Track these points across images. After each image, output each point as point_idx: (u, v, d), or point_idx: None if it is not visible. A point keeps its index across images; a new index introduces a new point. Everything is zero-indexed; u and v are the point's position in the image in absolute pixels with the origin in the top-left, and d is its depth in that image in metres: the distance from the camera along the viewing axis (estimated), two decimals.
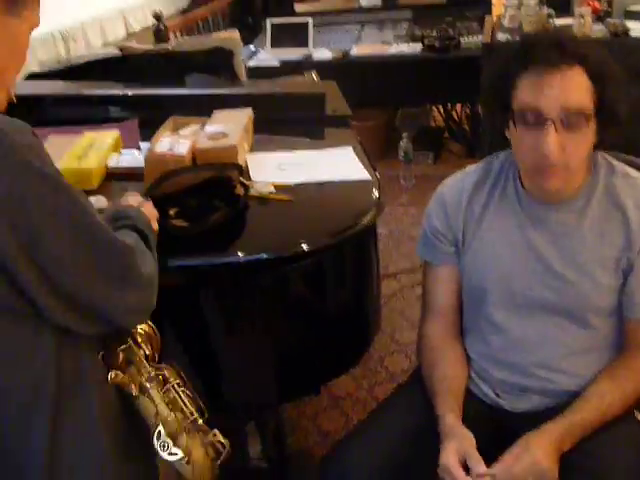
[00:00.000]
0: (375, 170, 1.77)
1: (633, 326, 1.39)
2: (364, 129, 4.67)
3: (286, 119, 2.02)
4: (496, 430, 1.42)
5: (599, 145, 1.36)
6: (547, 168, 1.30)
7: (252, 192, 1.62)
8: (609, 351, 1.43)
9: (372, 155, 4.18)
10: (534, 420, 1.33)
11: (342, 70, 3.99)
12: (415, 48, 4.02)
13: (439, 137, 4.62)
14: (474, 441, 1.31)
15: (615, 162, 1.42)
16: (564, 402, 1.37)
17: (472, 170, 1.52)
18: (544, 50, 1.27)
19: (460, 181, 1.51)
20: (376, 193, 1.67)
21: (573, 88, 1.27)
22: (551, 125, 1.26)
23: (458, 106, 4.50)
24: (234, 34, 2.81)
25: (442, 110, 4.59)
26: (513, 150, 1.39)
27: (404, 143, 4.19)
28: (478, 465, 1.26)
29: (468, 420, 1.39)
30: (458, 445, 1.29)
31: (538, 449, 1.25)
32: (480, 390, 1.48)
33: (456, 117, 4.53)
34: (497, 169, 1.48)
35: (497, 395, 1.46)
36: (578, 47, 1.29)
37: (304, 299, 1.59)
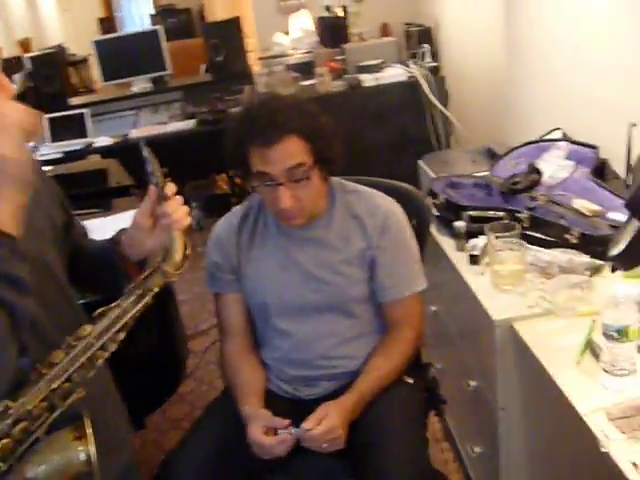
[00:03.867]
0: None
1: (386, 308, 1.73)
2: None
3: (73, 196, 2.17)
4: (299, 420, 1.67)
5: (330, 173, 1.69)
6: (288, 215, 1.61)
7: None
8: (375, 334, 1.74)
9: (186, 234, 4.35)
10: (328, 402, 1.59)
11: (124, 153, 4.13)
12: (189, 124, 4.29)
13: (226, 203, 4.90)
14: (270, 414, 1.55)
15: (346, 182, 1.77)
16: (347, 382, 1.65)
17: (237, 209, 1.80)
18: (263, 130, 1.52)
19: (228, 219, 1.79)
20: None
21: (291, 153, 1.54)
22: (282, 185, 1.56)
23: None
24: None
25: (227, 177, 4.89)
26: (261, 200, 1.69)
27: (195, 213, 4.43)
28: (281, 421, 1.52)
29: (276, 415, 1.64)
30: (258, 421, 1.53)
31: (335, 417, 1.51)
32: (280, 389, 1.73)
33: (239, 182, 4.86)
34: (256, 205, 1.77)
35: (294, 389, 1.72)
36: (290, 120, 1.53)
37: None
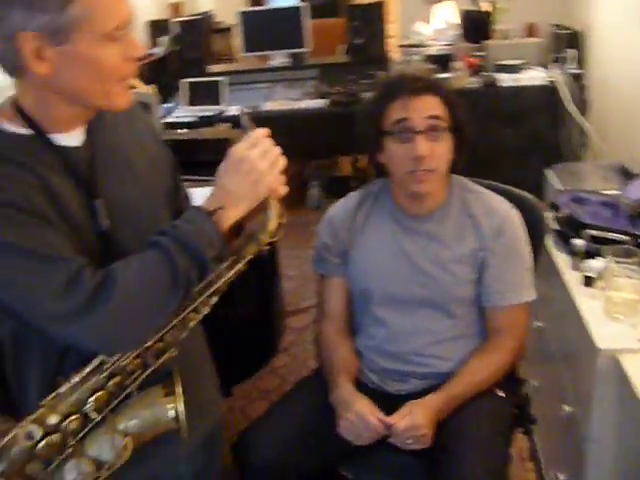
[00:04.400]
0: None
1: (490, 313, 1.69)
2: None
3: (200, 162, 2.23)
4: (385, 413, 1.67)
5: (454, 166, 1.68)
6: (420, 173, 1.61)
7: None
8: (474, 338, 1.71)
9: (284, 203, 4.44)
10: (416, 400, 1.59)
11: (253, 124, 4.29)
12: (321, 103, 4.30)
13: (346, 185, 4.93)
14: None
15: (466, 181, 1.75)
16: (438, 383, 1.63)
17: (354, 194, 1.81)
18: (408, 82, 1.63)
19: (344, 203, 1.80)
20: None
21: (433, 106, 1.62)
22: (420, 135, 1.58)
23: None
24: (149, 89, 3.06)
25: (351, 160, 4.92)
26: (389, 167, 1.69)
27: (314, 191, 4.48)
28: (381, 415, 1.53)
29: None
30: (366, 400, 1.56)
31: (420, 414, 1.51)
32: (369, 379, 1.74)
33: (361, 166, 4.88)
34: (375, 191, 1.78)
35: (383, 382, 1.72)
36: (433, 81, 1.68)
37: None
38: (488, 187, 1.79)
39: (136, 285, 1.06)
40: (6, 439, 1.11)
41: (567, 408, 1.84)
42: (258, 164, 1.13)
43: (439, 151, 1.62)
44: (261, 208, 1.19)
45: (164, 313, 1.11)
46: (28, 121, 1.10)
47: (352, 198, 1.81)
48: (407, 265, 1.69)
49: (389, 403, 1.64)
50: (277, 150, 1.16)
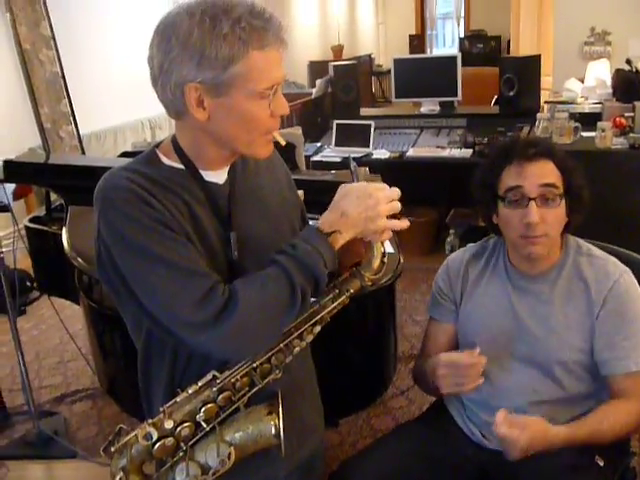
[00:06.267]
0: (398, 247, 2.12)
1: (610, 382, 1.66)
2: (416, 224, 5.02)
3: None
4: (481, 465, 1.70)
5: (569, 227, 1.70)
6: (532, 238, 1.64)
7: None
8: (583, 405, 1.68)
9: (421, 248, 4.52)
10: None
11: (397, 169, 4.38)
12: (466, 153, 4.36)
13: (483, 235, 4.87)
14: None
15: (582, 243, 1.75)
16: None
17: (472, 246, 1.87)
18: (522, 148, 1.66)
19: (461, 254, 1.86)
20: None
21: (547, 173, 1.64)
22: (532, 202, 1.62)
23: None
24: (297, 130, 3.26)
25: None
26: (502, 229, 1.73)
27: (451, 239, 4.50)
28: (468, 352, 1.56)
29: (460, 455, 1.69)
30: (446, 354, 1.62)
31: (528, 432, 1.48)
32: (469, 430, 1.77)
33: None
34: (491, 247, 1.83)
35: (483, 436, 1.74)
36: (547, 146, 1.69)
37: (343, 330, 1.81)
38: (611, 252, 1.78)
39: (257, 301, 1.16)
40: (129, 437, 1.26)
41: None
42: (381, 206, 1.23)
43: (551, 217, 1.64)
44: (359, 247, 1.30)
45: (281, 326, 1.23)
46: (183, 157, 1.28)
47: (468, 250, 1.87)
48: (514, 322, 1.72)
49: (488, 458, 1.66)
50: (399, 203, 1.25)
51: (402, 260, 2.07)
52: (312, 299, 1.25)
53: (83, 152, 5.71)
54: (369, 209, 1.22)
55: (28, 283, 4.55)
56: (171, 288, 1.16)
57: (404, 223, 1.26)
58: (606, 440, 1.60)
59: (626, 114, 4.04)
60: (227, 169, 1.33)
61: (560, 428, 1.56)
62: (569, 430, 1.57)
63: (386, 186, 1.26)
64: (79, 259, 2.59)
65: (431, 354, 1.82)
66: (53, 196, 3.52)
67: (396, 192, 1.25)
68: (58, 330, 3.95)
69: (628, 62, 4.52)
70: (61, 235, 2.84)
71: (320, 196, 2.37)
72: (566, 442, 1.55)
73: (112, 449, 1.27)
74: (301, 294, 1.18)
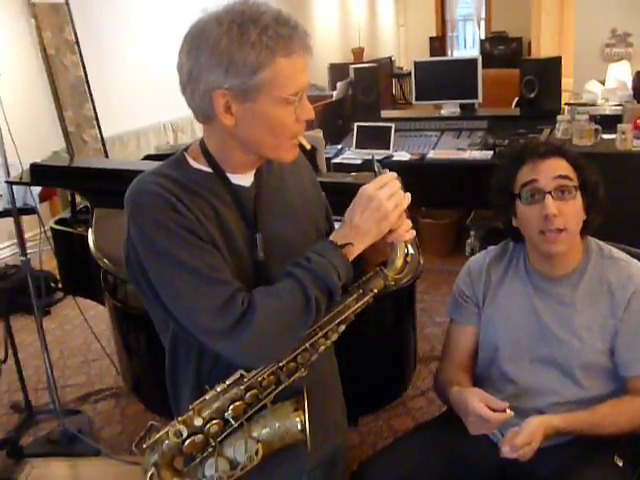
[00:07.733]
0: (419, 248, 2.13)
1: (628, 384, 1.68)
2: (436, 226, 5.04)
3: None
4: (500, 464, 1.71)
5: (588, 227, 1.71)
6: (552, 234, 1.65)
7: None
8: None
9: (441, 250, 4.53)
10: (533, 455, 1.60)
11: (418, 171, 4.38)
12: (487, 155, 4.33)
13: (503, 237, 4.86)
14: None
15: (604, 245, 1.76)
16: (558, 443, 1.65)
17: (492, 249, 1.89)
18: (534, 148, 1.72)
19: (483, 256, 1.88)
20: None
21: (560, 167, 1.68)
22: (548, 195, 1.64)
23: None
24: (318, 133, 3.28)
25: None
26: (522, 229, 1.75)
27: (472, 240, 4.50)
28: (498, 402, 1.58)
29: (479, 455, 1.70)
30: (476, 394, 1.62)
31: (537, 439, 1.56)
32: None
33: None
34: (512, 250, 1.85)
35: (502, 435, 1.74)
36: (558, 145, 1.74)
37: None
38: (633, 255, 1.79)
39: (274, 312, 1.20)
40: (160, 433, 1.30)
41: None
42: (385, 203, 1.24)
43: (568, 210, 1.65)
44: (384, 247, 1.32)
45: (296, 335, 1.26)
46: (211, 160, 1.31)
47: (489, 252, 1.89)
48: (536, 325, 1.73)
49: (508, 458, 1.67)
50: (402, 192, 1.27)
51: (422, 261, 2.08)
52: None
53: (106, 155, 5.79)
54: (375, 212, 1.24)
55: (52, 284, 4.62)
56: (193, 294, 1.19)
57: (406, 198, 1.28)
58: (612, 431, 1.62)
59: None
60: (254, 172, 1.36)
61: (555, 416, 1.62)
62: (567, 415, 1.62)
63: (384, 178, 1.27)
64: (105, 260, 2.63)
65: (453, 357, 1.85)
66: (77, 198, 3.58)
67: (395, 184, 1.26)
68: (82, 330, 4.02)
69: None
70: (86, 237, 2.89)
71: (341, 197, 2.41)
72: (568, 422, 1.60)
73: (144, 445, 1.30)
74: (315, 305, 1.21)
